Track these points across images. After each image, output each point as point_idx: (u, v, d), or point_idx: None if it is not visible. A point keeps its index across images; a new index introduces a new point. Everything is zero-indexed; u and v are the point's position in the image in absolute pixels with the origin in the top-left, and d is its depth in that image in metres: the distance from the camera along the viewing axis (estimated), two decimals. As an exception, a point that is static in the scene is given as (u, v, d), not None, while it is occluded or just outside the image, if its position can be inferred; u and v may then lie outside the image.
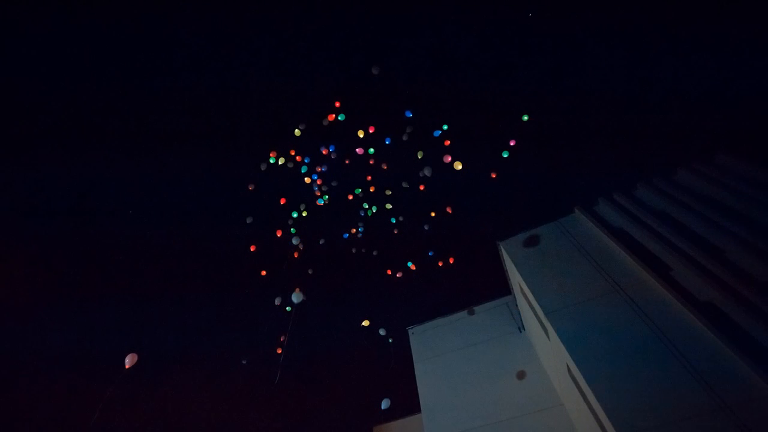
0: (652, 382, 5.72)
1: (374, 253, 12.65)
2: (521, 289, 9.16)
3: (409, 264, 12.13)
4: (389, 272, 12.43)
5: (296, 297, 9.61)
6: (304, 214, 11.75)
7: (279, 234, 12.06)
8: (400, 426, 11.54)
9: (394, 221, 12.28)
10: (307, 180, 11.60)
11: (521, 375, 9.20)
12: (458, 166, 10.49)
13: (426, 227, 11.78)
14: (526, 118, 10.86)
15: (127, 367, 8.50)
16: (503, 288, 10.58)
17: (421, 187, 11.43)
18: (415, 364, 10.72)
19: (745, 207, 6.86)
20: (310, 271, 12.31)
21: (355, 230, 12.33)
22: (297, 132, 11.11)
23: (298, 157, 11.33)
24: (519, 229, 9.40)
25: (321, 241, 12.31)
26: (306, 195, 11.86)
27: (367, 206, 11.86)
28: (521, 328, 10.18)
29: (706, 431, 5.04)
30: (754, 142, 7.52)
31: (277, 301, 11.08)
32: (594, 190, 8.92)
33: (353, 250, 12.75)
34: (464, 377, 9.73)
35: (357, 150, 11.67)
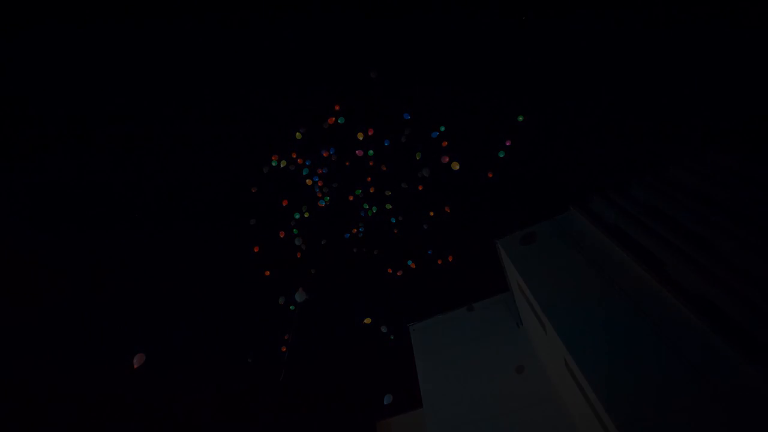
0: (647, 373, 5.88)
1: (375, 252, 12.81)
2: (519, 286, 9.31)
3: (410, 263, 12.30)
4: (390, 271, 12.60)
5: (299, 296, 9.78)
6: (306, 215, 11.92)
7: (282, 235, 12.25)
8: (403, 421, 11.69)
9: (394, 221, 12.44)
10: (308, 182, 11.78)
11: (520, 369, 9.37)
12: (456, 166, 10.64)
13: (425, 227, 11.94)
14: (521, 118, 11.01)
15: (135, 367, 8.70)
16: (501, 285, 10.76)
17: (420, 188, 11.60)
18: (416, 360, 10.89)
19: (736, 203, 7.00)
20: (312, 271, 12.49)
21: (356, 230, 12.50)
22: (298, 135, 11.29)
23: (299, 160, 11.51)
24: (516, 227, 9.59)
25: (323, 242, 12.49)
26: (308, 196, 12.04)
27: (367, 207, 12.02)
28: (519, 323, 10.34)
29: (700, 420, 5.20)
30: (744, 140, 7.67)
31: (281, 301, 11.28)
32: (589, 188, 9.09)
33: (354, 250, 12.92)
34: (464, 372, 9.90)
35: (357, 152, 11.84)
